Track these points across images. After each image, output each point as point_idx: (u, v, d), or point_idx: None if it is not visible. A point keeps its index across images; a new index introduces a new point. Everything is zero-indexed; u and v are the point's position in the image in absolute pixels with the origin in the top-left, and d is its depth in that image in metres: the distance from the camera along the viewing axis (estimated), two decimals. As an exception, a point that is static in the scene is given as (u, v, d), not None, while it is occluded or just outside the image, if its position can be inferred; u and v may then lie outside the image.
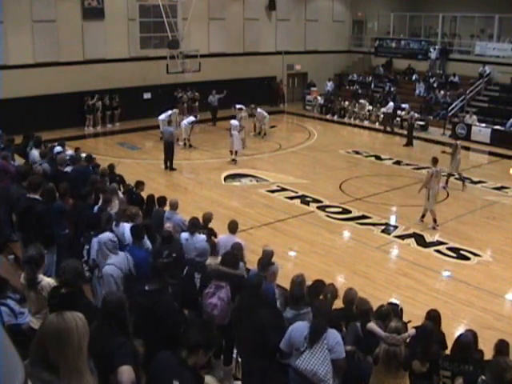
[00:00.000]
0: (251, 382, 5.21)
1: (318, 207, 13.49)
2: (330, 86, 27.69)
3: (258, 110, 20.79)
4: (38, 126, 17.12)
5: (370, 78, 28.00)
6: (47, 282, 4.88)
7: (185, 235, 7.49)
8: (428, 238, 11.61)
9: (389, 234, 11.97)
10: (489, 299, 9.16)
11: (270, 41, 27.21)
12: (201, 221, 7.88)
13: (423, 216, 12.34)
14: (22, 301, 4.77)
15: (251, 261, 6.88)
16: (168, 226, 7.71)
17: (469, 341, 5.11)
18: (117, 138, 20.88)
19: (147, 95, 23.16)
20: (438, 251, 11.02)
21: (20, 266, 6.46)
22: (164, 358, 3.56)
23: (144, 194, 9.68)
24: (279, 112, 26.54)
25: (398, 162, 17.99)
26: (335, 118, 25.44)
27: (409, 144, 20.38)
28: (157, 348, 3.77)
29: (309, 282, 5.87)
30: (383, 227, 12.23)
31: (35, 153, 11.00)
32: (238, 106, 19.88)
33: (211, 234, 7.73)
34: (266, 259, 6.34)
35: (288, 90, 28.77)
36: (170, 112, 19.10)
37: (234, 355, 5.98)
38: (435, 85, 25.47)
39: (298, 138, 21.42)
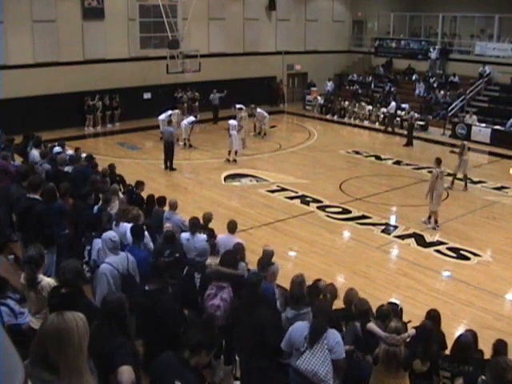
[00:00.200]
0: (250, 381, 5.20)
1: (318, 207, 13.49)
2: (330, 86, 27.69)
3: (258, 109, 20.78)
4: (38, 126, 17.13)
5: (370, 78, 28.00)
6: (47, 281, 4.87)
7: (186, 235, 7.48)
8: (428, 238, 11.61)
9: (389, 234, 11.97)
10: (489, 299, 9.15)
11: (270, 41, 27.21)
12: (201, 221, 7.88)
13: (430, 217, 12.32)
14: (22, 301, 4.77)
15: (251, 261, 6.87)
16: (168, 226, 7.71)
17: (469, 341, 5.10)
18: (117, 138, 20.87)
19: (147, 95, 23.16)
20: (438, 251, 11.03)
21: (20, 266, 6.46)
22: (166, 359, 3.56)
23: (144, 194, 9.69)
24: (279, 112, 26.53)
25: (397, 162, 17.99)
26: (335, 118, 25.43)
27: (409, 144, 20.39)
28: (157, 348, 3.77)
29: (309, 282, 5.87)
30: (383, 227, 12.23)
31: (35, 153, 11.00)
32: (238, 106, 19.86)
33: (211, 234, 7.73)
34: (266, 259, 6.32)
35: (288, 90, 28.76)
36: (170, 112, 19.11)
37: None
38: (435, 85, 25.46)
39: (297, 138, 21.41)
